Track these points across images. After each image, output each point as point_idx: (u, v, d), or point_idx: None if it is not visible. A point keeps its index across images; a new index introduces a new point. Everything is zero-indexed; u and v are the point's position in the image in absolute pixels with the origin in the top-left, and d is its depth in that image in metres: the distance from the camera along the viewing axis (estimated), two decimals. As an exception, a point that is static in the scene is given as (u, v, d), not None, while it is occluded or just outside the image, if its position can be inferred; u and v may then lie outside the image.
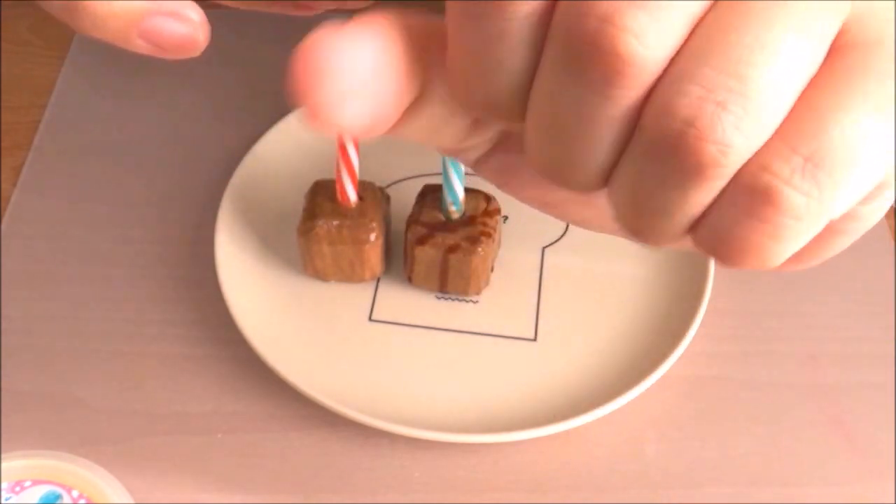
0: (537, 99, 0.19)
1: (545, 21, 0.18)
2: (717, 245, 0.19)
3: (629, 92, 0.18)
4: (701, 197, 0.19)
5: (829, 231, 0.20)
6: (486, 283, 0.51)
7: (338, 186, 0.48)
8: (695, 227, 0.20)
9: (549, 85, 0.19)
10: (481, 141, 0.24)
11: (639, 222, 0.20)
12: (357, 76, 0.19)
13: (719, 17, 0.18)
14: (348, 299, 0.51)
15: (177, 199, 0.56)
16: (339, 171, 0.48)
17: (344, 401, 0.45)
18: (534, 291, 0.52)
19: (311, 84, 0.19)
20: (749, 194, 0.18)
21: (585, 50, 0.18)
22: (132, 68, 0.63)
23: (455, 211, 0.49)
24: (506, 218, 0.54)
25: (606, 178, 0.20)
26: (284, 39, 0.65)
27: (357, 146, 0.47)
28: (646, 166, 0.19)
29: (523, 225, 0.54)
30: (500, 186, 0.26)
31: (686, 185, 0.18)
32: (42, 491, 0.38)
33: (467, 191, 0.49)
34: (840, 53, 0.18)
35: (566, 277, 0.52)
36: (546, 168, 0.21)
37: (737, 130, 0.17)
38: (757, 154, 0.18)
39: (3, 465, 0.38)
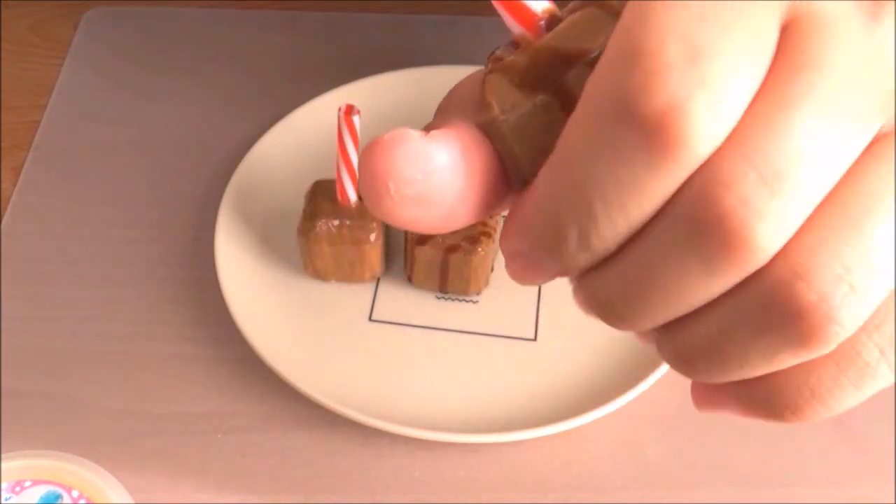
0: (632, 257, 0.19)
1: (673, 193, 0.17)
2: (777, 403, 0.20)
3: (743, 269, 0.18)
4: (790, 361, 0.19)
5: None
6: (487, 283, 0.51)
7: (338, 186, 0.48)
8: (756, 381, 0.20)
9: (652, 247, 0.18)
10: None
11: (696, 367, 0.20)
12: (428, 185, 0.19)
13: (838, 204, 0.17)
14: (348, 299, 0.51)
15: (177, 199, 0.56)
16: (339, 171, 0.47)
17: (344, 401, 0.45)
18: (534, 291, 0.52)
19: (381, 182, 0.18)
20: (855, 369, 0.19)
21: (712, 227, 0.17)
22: (132, 69, 0.63)
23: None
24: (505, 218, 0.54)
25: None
26: (285, 39, 0.65)
27: (357, 146, 0.47)
28: (744, 331, 0.18)
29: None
30: None
31: (786, 351, 0.18)
32: (42, 491, 0.38)
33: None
34: None
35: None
36: (603, 310, 0.20)
37: (853, 315, 0.17)
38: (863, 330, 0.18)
39: (3, 465, 0.38)
